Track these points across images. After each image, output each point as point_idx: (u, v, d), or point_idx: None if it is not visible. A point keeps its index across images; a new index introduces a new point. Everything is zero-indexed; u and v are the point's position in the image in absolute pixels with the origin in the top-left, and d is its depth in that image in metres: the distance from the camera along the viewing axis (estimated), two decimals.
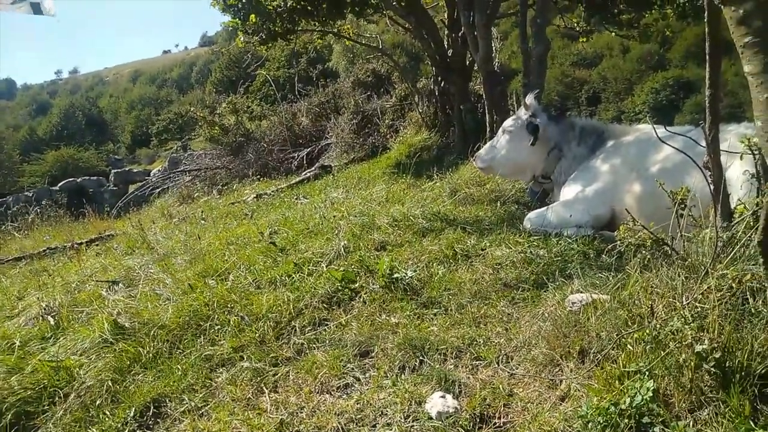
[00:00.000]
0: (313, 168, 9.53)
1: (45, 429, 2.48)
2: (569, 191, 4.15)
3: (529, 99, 4.61)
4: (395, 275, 3.22)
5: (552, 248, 3.45)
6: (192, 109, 13.68)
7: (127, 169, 22.36)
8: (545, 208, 4.09)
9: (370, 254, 3.74)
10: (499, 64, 8.69)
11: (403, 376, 2.33)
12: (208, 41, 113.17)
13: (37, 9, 13.64)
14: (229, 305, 3.18)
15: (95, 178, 18.20)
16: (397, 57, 15.65)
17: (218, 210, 7.37)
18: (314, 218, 4.95)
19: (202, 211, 7.35)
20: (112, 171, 19.27)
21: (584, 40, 10.28)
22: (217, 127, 11.82)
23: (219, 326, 2.98)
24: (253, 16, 8.11)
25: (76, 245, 6.30)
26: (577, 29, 9.69)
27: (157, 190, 12.13)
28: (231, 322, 2.97)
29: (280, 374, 2.50)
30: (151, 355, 2.81)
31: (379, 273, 3.28)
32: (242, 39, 8.81)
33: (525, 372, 2.24)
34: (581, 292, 2.61)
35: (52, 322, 3.42)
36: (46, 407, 2.59)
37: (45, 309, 3.58)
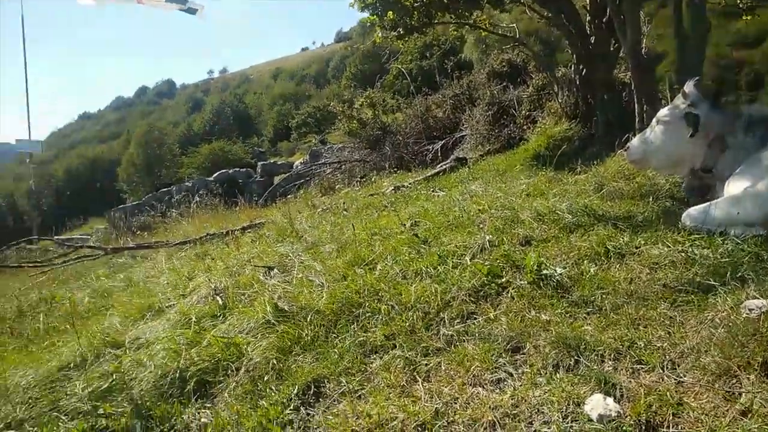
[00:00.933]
0: (448, 160, 9.56)
1: (221, 398, 2.76)
2: (736, 186, 3.79)
3: (688, 87, 4.27)
4: (543, 272, 3.16)
5: (717, 248, 3.18)
6: (332, 103, 14.28)
7: (271, 161, 23.85)
8: (708, 204, 3.77)
9: (515, 249, 3.69)
10: (646, 49, 8.15)
11: (557, 374, 2.29)
12: (343, 37, 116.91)
13: (191, 11, 14.96)
14: (378, 294, 3.31)
15: (244, 169, 19.61)
16: (531, 45, 15.17)
17: (359, 201, 7.62)
18: (454, 211, 4.97)
19: (344, 202, 7.66)
20: (259, 163, 20.61)
21: (748, 17, 9.24)
22: (355, 121, 12.25)
23: (370, 314, 3.12)
24: (390, 12, 8.30)
25: (233, 232, 6.86)
26: (740, 5, 8.77)
27: (300, 182, 12.82)
28: (381, 311, 3.09)
29: (431, 364, 2.56)
30: (309, 338, 3.01)
31: (526, 269, 3.23)
32: (380, 35, 9.02)
33: (695, 380, 2.09)
34: (758, 298, 2.40)
35: (220, 302, 3.77)
36: (221, 378, 2.88)
37: (214, 290, 3.95)
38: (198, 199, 11.76)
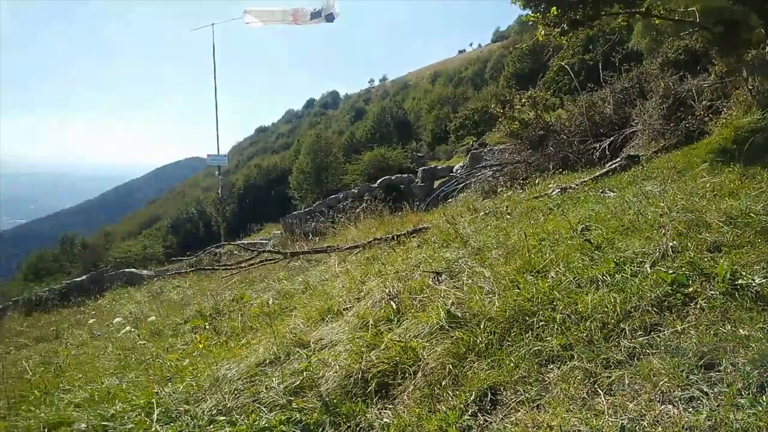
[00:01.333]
0: (618, 159, 9.03)
1: (400, 399, 2.90)
2: None
3: None
4: (738, 281, 2.89)
5: None
6: (492, 106, 14.17)
7: (431, 165, 24.25)
8: None
9: (703, 256, 3.41)
10: None
11: (763, 397, 2.08)
12: (500, 36, 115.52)
13: (330, 18, 16.01)
14: (552, 302, 3.25)
15: (406, 175, 20.14)
16: (712, 27, 13.72)
17: (522, 204, 7.49)
18: (628, 214, 4.72)
19: (507, 206, 7.57)
20: (420, 168, 21.04)
21: None
22: (516, 122, 12.04)
23: (544, 322, 3.07)
24: (554, 8, 8.07)
25: (399, 237, 7.11)
26: None
27: (460, 185, 12.87)
28: (556, 320, 3.03)
29: (613, 377, 2.46)
30: (483, 344, 3.04)
31: (717, 278, 2.98)
32: (542, 32, 8.78)
33: None
34: None
35: (394, 307, 3.94)
36: (399, 381, 3.02)
37: (388, 295, 4.14)
38: (364, 205, 12.32)
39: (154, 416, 3.14)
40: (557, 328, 2.96)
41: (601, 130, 11.27)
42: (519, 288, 3.53)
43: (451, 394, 2.74)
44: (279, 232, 20.57)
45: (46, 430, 3.53)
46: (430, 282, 4.40)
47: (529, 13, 8.64)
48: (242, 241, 19.58)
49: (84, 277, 18.54)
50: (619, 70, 12.73)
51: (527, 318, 3.16)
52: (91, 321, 8.49)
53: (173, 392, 3.53)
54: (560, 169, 10.21)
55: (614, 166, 8.52)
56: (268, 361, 3.73)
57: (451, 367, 2.93)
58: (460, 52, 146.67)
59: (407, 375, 3.04)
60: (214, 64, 17.50)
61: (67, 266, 48.39)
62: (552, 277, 3.65)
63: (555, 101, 15.73)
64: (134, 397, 3.65)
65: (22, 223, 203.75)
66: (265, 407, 3.07)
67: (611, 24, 11.17)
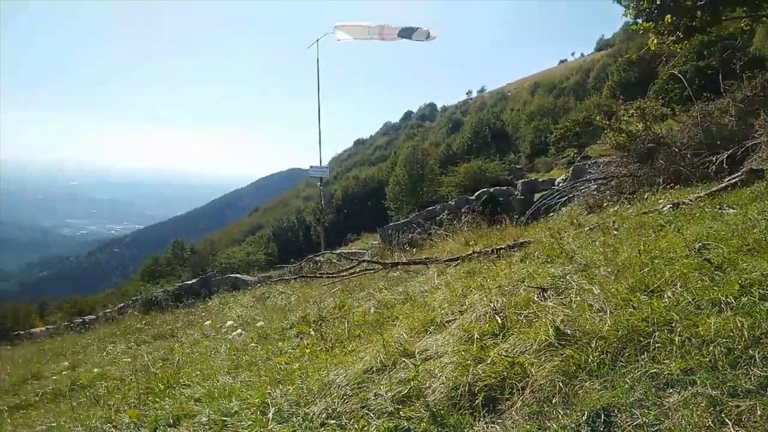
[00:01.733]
0: (737, 173, 8.43)
1: (508, 415, 2.88)
2: None
3: None
4: None
5: None
6: (597, 118, 13.68)
7: (531, 178, 23.72)
8: None
9: None
10: None
11: None
12: (604, 44, 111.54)
13: (417, 36, 15.85)
14: (670, 324, 3.10)
15: (504, 187, 19.88)
16: None
17: (630, 220, 7.17)
18: (753, 233, 4.40)
19: (614, 221, 7.28)
20: (519, 181, 20.66)
21: None
22: (623, 134, 11.54)
23: (661, 344, 2.94)
24: (668, 16, 7.73)
25: (499, 251, 7.03)
26: None
27: (563, 199, 12.50)
28: (675, 342, 2.89)
29: (743, 407, 2.32)
30: (595, 364, 2.96)
31: None
32: (654, 41, 8.43)
33: None
34: None
35: (499, 321, 3.91)
36: (507, 396, 3.00)
37: (493, 309, 4.11)
38: (462, 217, 12.30)
39: (270, 415, 3.31)
40: (676, 351, 2.83)
41: (718, 142, 10.57)
42: (634, 308, 3.40)
43: (562, 412, 2.69)
44: (376, 242, 20.90)
45: (171, 420, 3.82)
46: (536, 298, 4.32)
47: (640, 22, 8.34)
48: (342, 250, 20.09)
49: (194, 280, 19.84)
50: (741, 78, 11.90)
51: (642, 339, 3.04)
52: (206, 323, 9.05)
53: (285, 394, 3.70)
54: (671, 184, 9.67)
55: (734, 180, 7.96)
56: (374, 368, 3.82)
57: (561, 385, 2.87)
58: (562, 62, 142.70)
59: (515, 390, 3.01)
60: (318, 78, 17.97)
61: (178, 270, 51.82)
62: (668, 297, 3.48)
63: (665, 111, 14.91)
64: (249, 396, 3.87)
65: (140, 228, 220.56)
66: (373, 414, 3.15)
67: (730, 28, 10.48)
